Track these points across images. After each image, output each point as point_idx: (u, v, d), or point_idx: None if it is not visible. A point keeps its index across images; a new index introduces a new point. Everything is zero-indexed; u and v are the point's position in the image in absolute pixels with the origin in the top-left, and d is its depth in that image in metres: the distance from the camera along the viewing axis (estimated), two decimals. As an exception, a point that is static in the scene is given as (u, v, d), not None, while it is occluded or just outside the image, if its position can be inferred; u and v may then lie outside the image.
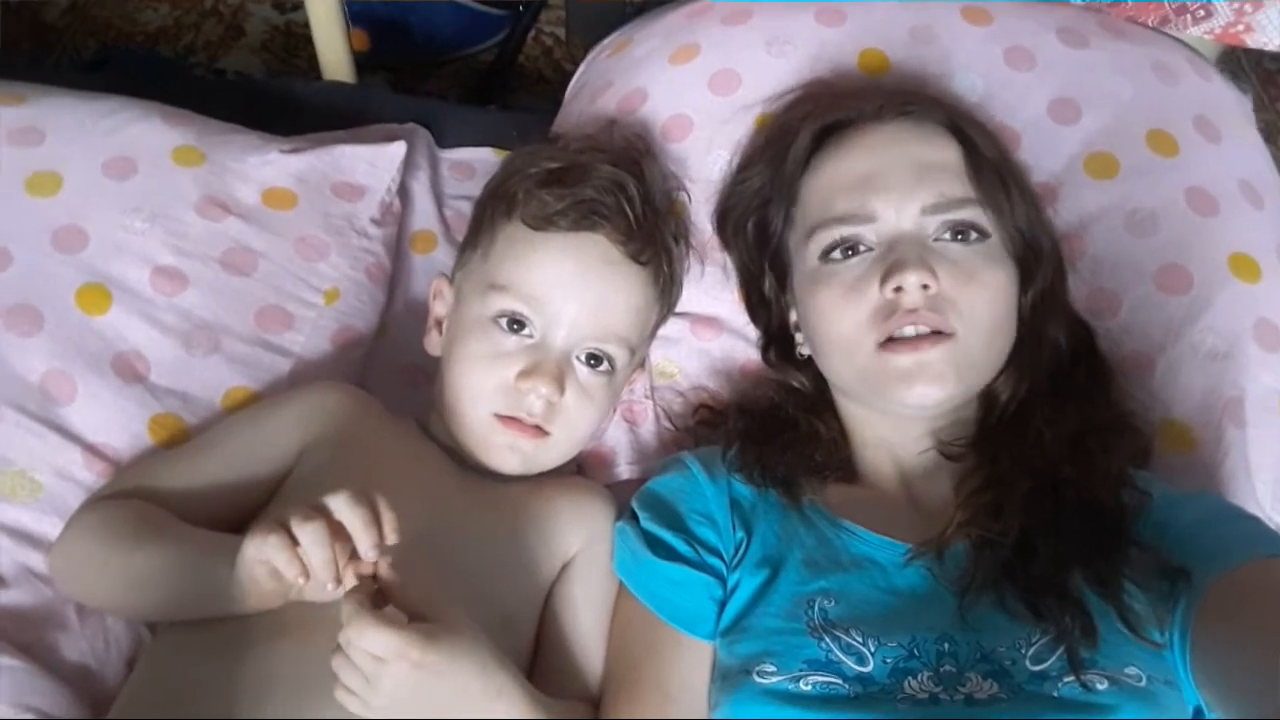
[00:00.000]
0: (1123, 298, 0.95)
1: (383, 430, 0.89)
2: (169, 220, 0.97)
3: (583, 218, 0.86)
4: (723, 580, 0.82)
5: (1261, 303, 0.94)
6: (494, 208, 0.90)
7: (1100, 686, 0.69)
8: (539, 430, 0.86)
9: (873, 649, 0.73)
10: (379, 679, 0.65)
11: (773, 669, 0.74)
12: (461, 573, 0.81)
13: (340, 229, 1.03)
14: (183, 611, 0.77)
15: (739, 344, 1.00)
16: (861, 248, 0.82)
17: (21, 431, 0.87)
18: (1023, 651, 0.72)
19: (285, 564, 0.66)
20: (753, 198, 0.94)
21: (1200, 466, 0.89)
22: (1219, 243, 0.96)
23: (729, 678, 0.77)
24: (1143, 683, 0.70)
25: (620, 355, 0.88)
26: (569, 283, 0.85)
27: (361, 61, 1.46)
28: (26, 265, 0.92)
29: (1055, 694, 0.70)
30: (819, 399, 0.91)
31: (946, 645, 0.73)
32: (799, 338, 0.91)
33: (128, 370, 0.91)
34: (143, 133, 1.01)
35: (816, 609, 0.76)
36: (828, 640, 0.74)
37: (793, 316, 0.92)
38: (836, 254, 0.83)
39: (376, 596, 0.67)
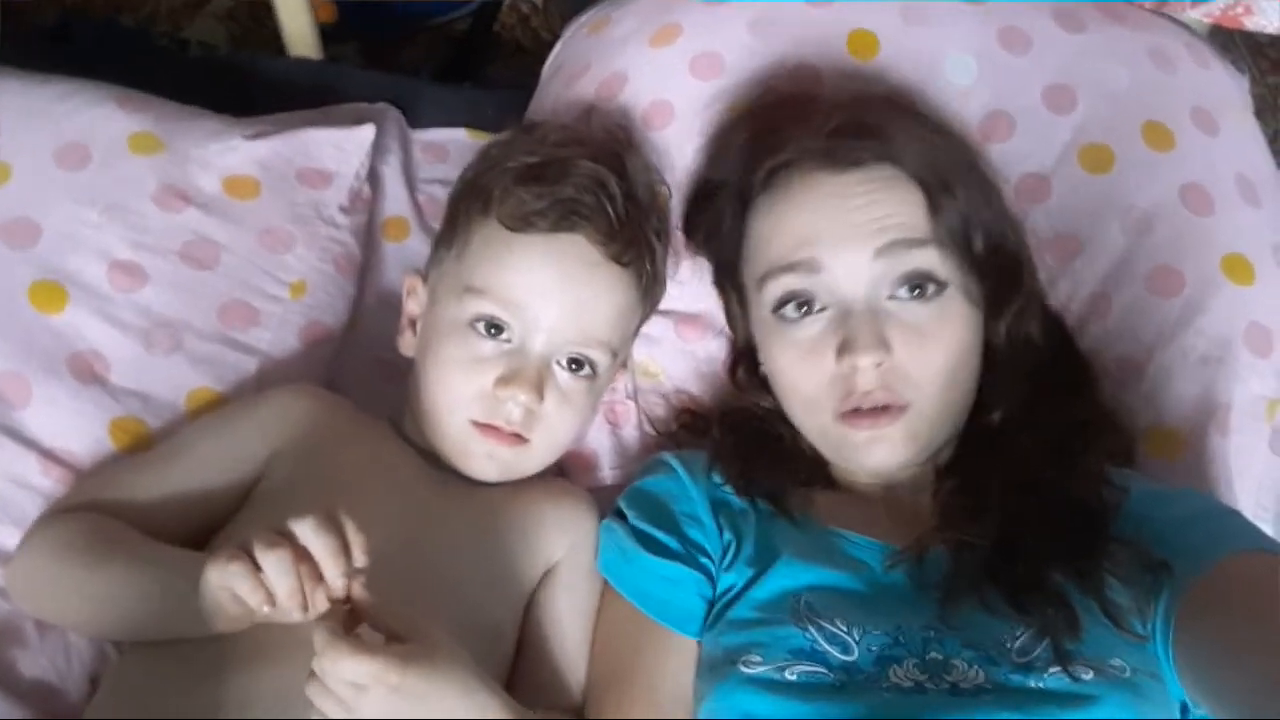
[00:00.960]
0: (1113, 300, 0.94)
1: (354, 435, 0.87)
2: (126, 212, 0.93)
3: (562, 218, 0.82)
4: (712, 580, 0.81)
5: (1253, 306, 0.92)
6: (469, 204, 0.86)
7: (1085, 676, 0.70)
8: (518, 438, 0.84)
9: (858, 637, 0.73)
10: (358, 705, 0.63)
11: (758, 659, 0.74)
12: (442, 583, 0.79)
13: (306, 218, 0.99)
14: (146, 632, 0.74)
15: (723, 344, 0.97)
16: (816, 305, 0.80)
17: (-27, 437, 0.84)
18: (1008, 645, 0.72)
19: (248, 592, 0.64)
20: (713, 216, 0.91)
21: (1184, 472, 0.88)
22: (1213, 243, 0.94)
23: (715, 668, 0.76)
24: (1127, 674, 0.71)
25: (602, 359, 0.85)
26: (548, 287, 0.82)
27: (331, 32, 1.41)
28: (-26, 262, 0.88)
29: (1040, 684, 0.70)
30: None
31: (932, 634, 0.73)
32: (763, 359, 0.89)
33: (85, 371, 0.88)
34: (97, 119, 0.96)
35: (803, 601, 0.76)
36: (812, 630, 0.74)
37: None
38: (790, 310, 0.81)
39: (349, 618, 0.65)
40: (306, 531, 0.64)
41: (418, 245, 1.06)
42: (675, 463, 0.87)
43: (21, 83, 0.98)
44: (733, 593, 0.80)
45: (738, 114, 0.98)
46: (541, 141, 0.89)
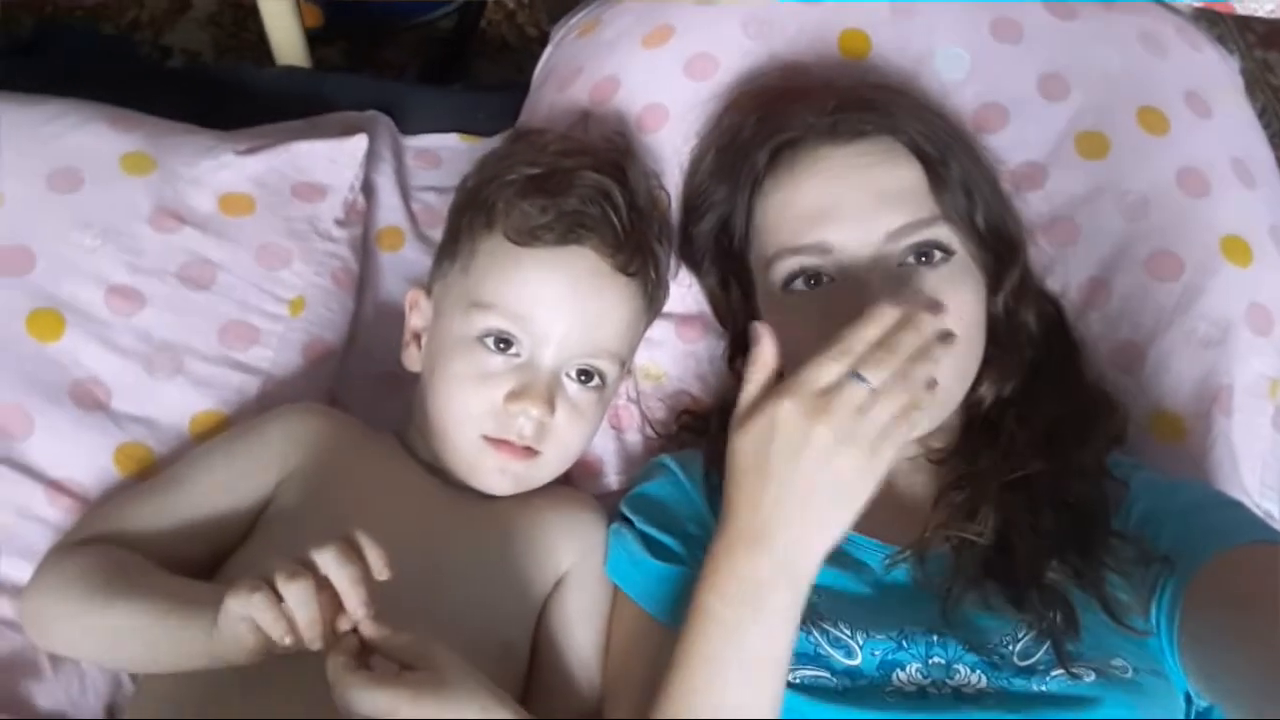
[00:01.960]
0: (1113, 286, 0.94)
1: (362, 454, 0.86)
2: (121, 235, 0.91)
3: (568, 231, 0.82)
4: None
5: (1253, 286, 0.93)
6: (472, 218, 0.86)
7: (1087, 679, 0.70)
8: (530, 451, 0.84)
9: (861, 642, 0.74)
10: None
11: None
12: (454, 604, 0.78)
13: (302, 233, 0.98)
14: (162, 665, 0.74)
15: (723, 343, 0.97)
16: (824, 278, 0.80)
17: (-24, 470, 0.83)
18: (1010, 648, 0.72)
19: (270, 624, 0.63)
20: (710, 211, 0.91)
21: (1189, 456, 0.89)
22: (1211, 225, 0.94)
23: None
24: (1129, 674, 0.71)
25: (611, 370, 0.85)
26: (557, 300, 0.82)
27: (316, 34, 1.40)
28: (-31, 291, 0.87)
29: (1043, 688, 0.70)
30: None
31: (935, 638, 0.74)
32: None
33: (87, 398, 0.87)
34: (88, 139, 0.95)
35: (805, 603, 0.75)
36: (815, 634, 0.74)
37: None
38: (799, 283, 0.81)
39: (361, 650, 0.65)
40: (328, 561, 0.63)
41: (413, 254, 1.05)
42: (674, 465, 0.87)
43: (7, 104, 0.96)
44: None
45: (736, 102, 0.97)
46: (541, 151, 0.88)
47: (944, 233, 0.80)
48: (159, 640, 0.71)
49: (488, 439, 0.83)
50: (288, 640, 0.63)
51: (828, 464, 0.65)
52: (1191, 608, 0.71)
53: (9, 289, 0.88)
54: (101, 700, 0.81)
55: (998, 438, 0.81)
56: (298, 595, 0.63)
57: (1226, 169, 0.97)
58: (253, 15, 1.28)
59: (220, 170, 0.97)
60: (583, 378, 0.84)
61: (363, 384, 1.00)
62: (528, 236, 0.82)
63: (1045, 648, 0.71)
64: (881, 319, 0.67)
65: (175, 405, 0.89)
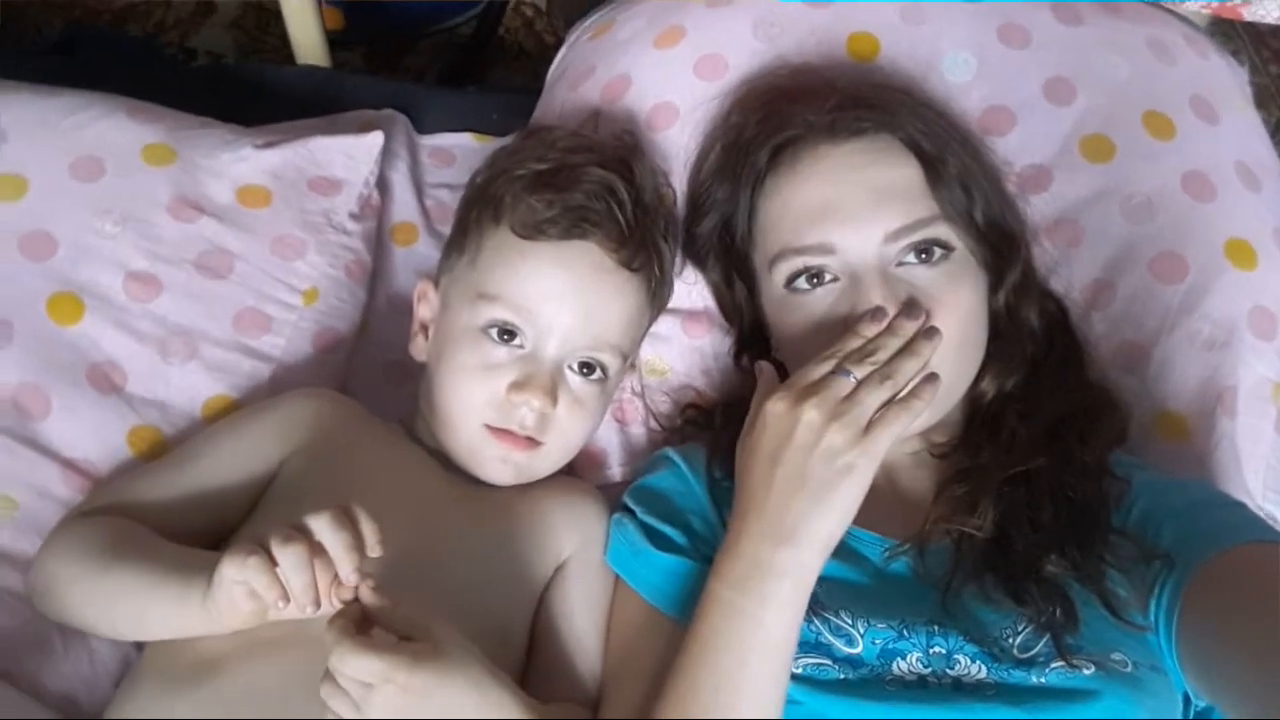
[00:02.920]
0: (1117, 287, 0.94)
1: (366, 438, 0.87)
2: (140, 223, 0.94)
3: (573, 225, 0.83)
4: None
5: (1257, 290, 0.93)
6: (480, 211, 0.87)
7: (1086, 671, 0.70)
8: (531, 441, 0.85)
9: (862, 630, 0.74)
10: (368, 704, 0.64)
11: None
12: (453, 585, 0.79)
13: (318, 226, 1.00)
14: (158, 630, 0.75)
15: (728, 339, 0.98)
16: (827, 276, 0.81)
17: (-6, 448, 0.85)
18: (1010, 640, 0.73)
19: (265, 587, 0.65)
20: (714, 210, 0.92)
21: (1193, 457, 0.89)
22: (1215, 228, 0.94)
23: None
24: (1128, 668, 0.71)
25: (613, 363, 0.86)
26: (561, 293, 0.83)
27: (337, 39, 1.42)
28: (-7, 274, 0.89)
29: (1042, 680, 0.71)
30: None
31: (936, 628, 0.74)
32: (774, 334, 0.89)
33: (103, 381, 0.89)
34: (110, 130, 0.97)
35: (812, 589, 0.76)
36: (817, 622, 0.74)
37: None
38: (801, 282, 0.82)
39: (363, 620, 0.66)
40: (322, 526, 0.65)
41: (426, 250, 1.07)
42: (677, 458, 0.88)
43: (34, 96, 0.99)
44: None
45: (740, 101, 0.99)
46: (550, 147, 0.89)
47: (943, 230, 0.81)
48: (157, 605, 0.73)
49: (490, 428, 0.84)
50: (282, 605, 0.65)
51: (820, 440, 0.69)
52: (1190, 606, 0.71)
53: (30, 273, 0.90)
54: (112, 678, 0.83)
55: (1000, 433, 0.82)
56: (292, 559, 0.64)
57: (1232, 173, 0.97)
58: (275, 18, 1.30)
59: (239, 163, 0.99)
60: (585, 370, 0.85)
61: (370, 373, 1.02)
62: (533, 230, 0.83)
63: (1045, 640, 0.72)
64: (865, 331, 0.74)
65: (188, 389, 0.91)
